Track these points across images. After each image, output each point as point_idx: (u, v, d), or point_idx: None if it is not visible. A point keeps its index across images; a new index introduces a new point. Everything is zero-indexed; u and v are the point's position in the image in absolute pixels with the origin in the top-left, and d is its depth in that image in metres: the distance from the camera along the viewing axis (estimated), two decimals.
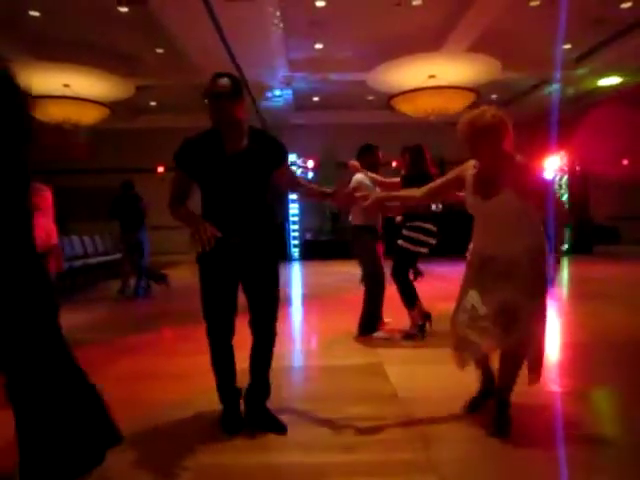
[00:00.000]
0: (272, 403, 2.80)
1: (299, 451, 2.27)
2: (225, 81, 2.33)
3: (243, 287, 2.47)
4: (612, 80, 11.66)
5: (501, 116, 2.33)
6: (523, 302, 2.29)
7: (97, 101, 11.05)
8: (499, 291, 2.33)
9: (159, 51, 9.81)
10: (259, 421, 2.46)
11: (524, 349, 2.36)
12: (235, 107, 2.33)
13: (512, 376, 2.41)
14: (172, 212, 2.38)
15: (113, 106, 11.55)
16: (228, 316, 2.44)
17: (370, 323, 4.32)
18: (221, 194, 2.38)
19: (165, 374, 3.48)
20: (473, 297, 2.41)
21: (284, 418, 2.55)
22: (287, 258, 13.17)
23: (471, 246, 2.56)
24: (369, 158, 4.41)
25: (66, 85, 10.17)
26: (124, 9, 7.89)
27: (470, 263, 2.53)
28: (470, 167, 2.49)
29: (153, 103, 13.62)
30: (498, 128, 2.31)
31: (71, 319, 5.33)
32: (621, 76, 11.35)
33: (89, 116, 11.27)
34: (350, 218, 4.42)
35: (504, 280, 2.34)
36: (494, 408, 2.43)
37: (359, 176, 4.29)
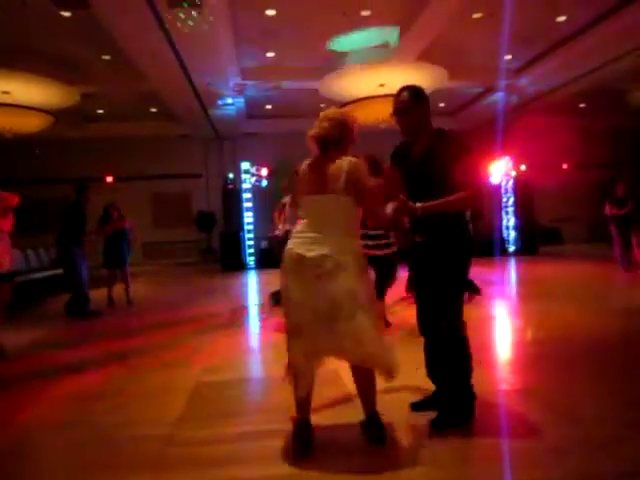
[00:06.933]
0: (225, 415, 2.77)
1: (255, 464, 2.24)
2: (402, 96, 2.52)
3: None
4: None
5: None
6: None
7: (40, 109, 10.59)
8: None
9: (105, 58, 9.53)
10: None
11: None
12: (411, 118, 2.50)
13: (366, 388, 2.40)
14: None
15: (58, 114, 11.11)
16: None
17: None
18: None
19: (114, 393, 3.35)
20: None
21: (236, 430, 2.52)
22: (244, 267, 13.06)
23: None
24: None
25: (5, 92, 9.70)
26: (67, 13, 7.63)
27: None
28: None
29: (100, 111, 13.21)
30: None
31: (16, 337, 5.08)
32: None
33: (31, 124, 10.79)
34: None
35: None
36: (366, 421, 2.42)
37: None
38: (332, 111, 2.41)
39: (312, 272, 2.22)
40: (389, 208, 2.41)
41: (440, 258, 2.46)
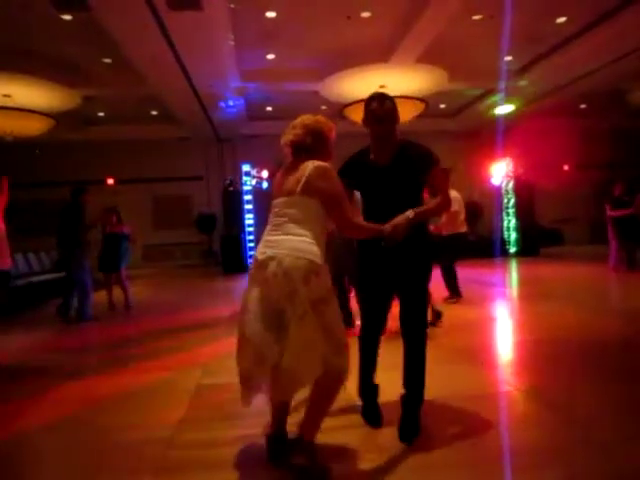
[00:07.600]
0: (226, 418, 2.76)
1: (255, 468, 2.24)
2: (386, 104, 2.48)
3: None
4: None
5: None
6: None
7: (41, 112, 10.62)
8: None
9: (106, 60, 9.56)
10: (408, 427, 2.46)
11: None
12: (392, 125, 2.50)
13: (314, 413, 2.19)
14: None
15: (59, 117, 11.13)
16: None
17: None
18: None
19: (114, 396, 3.34)
20: None
21: (237, 433, 2.51)
22: (245, 269, 13.03)
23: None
24: None
25: (7, 95, 9.73)
26: (67, 17, 7.65)
27: None
28: None
29: (101, 114, 13.24)
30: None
31: (17, 340, 5.08)
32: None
33: (32, 128, 10.83)
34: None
35: None
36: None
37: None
38: (308, 118, 2.32)
39: (261, 275, 2.11)
40: (391, 224, 2.31)
41: (410, 260, 2.52)
